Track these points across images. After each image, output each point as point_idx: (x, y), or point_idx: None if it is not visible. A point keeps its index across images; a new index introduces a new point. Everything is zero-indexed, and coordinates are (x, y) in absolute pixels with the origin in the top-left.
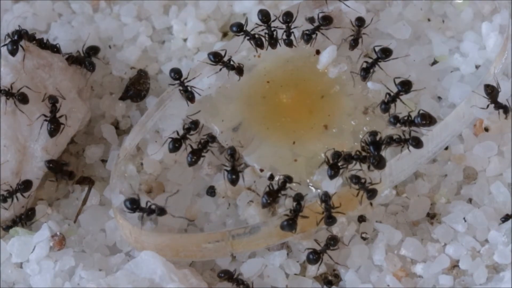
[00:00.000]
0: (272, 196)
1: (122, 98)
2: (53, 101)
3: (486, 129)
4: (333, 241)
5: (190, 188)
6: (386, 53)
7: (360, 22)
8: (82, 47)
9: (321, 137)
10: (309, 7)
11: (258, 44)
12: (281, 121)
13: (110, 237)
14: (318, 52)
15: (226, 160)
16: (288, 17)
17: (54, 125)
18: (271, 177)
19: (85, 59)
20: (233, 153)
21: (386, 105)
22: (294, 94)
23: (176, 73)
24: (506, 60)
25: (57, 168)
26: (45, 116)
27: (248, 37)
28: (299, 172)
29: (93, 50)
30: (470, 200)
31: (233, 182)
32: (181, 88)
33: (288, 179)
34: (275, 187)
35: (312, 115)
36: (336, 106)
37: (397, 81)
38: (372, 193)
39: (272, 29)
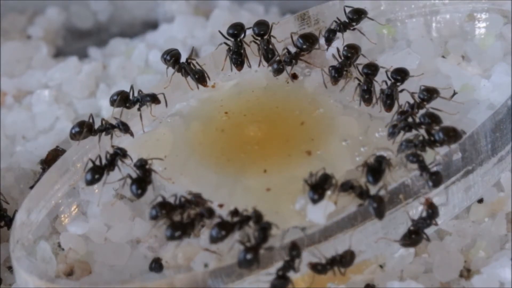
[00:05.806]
0: (225, 229)
1: None
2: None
3: None
4: None
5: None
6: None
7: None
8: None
9: (303, 163)
10: (293, 23)
11: (197, 78)
12: (246, 151)
13: None
14: (295, 76)
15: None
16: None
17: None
18: (235, 213)
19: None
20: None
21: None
22: (263, 125)
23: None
24: None
25: None
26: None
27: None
28: (273, 201)
29: None
30: None
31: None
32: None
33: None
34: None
35: (288, 143)
36: (321, 129)
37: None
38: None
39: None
